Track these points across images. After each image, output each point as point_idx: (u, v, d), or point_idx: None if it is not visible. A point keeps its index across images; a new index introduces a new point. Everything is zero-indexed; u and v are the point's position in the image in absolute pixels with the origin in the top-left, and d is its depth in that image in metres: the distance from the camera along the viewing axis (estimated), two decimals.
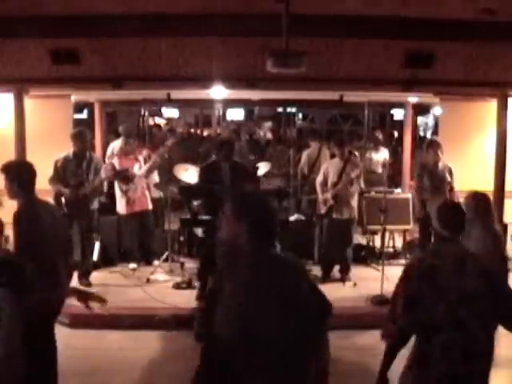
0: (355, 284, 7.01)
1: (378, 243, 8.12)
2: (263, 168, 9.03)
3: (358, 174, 6.96)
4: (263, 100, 10.98)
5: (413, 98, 9.14)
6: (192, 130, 15.26)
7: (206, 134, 14.63)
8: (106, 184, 7.00)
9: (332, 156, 8.43)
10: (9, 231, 4.01)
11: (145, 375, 4.83)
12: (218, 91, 7.45)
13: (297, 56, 5.06)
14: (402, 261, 7.93)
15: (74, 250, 6.69)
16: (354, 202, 7.13)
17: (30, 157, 6.65)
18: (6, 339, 2.46)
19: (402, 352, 2.92)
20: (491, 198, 6.74)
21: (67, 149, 6.70)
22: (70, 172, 6.58)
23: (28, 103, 6.75)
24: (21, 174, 4.09)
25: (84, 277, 6.81)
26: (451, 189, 7.12)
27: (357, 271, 7.35)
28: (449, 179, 7.20)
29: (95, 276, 7.02)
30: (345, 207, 7.00)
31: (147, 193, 7.55)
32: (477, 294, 2.75)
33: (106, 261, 7.58)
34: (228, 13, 5.47)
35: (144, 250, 7.64)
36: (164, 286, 6.84)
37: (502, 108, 6.65)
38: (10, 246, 4.12)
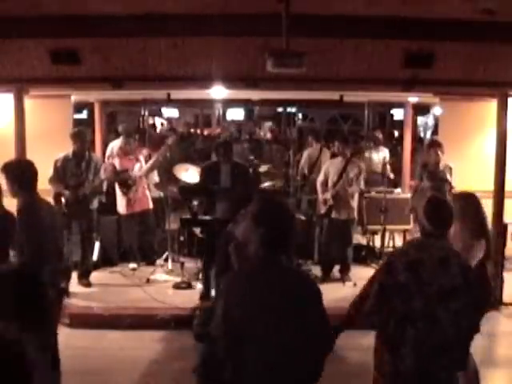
0: (355, 284, 7.01)
1: (378, 243, 8.13)
2: (263, 168, 9.05)
3: (357, 173, 6.96)
4: (263, 100, 10.99)
5: (413, 98, 9.13)
6: (192, 130, 15.27)
7: (206, 133, 14.64)
8: (105, 184, 7.00)
9: (332, 156, 8.43)
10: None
11: (145, 375, 4.83)
12: (218, 91, 7.45)
13: (297, 56, 5.06)
14: None
15: (74, 250, 6.70)
16: (354, 202, 7.14)
17: (30, 157, 6.64)
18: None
19: None
20: (491, 198, 6.80)
21: (67, 149, 6.71)
22: (69, 172, 6.59)
23: (28, 103, 6.74)
24: (20, 173, 4.10)
25: (84, 277, 6.81)
26: (451, 188, 7.13)
27: (357, 271, 7.35)
28: (449, 179, 7.21)
29: (95, 276, 7.02)
30: (345, 207, 7.01)
31: (148, 193, 7.55)
32: (454, 290, 2.77)
33: (106, 261, 7.58)
34: (228, 13, 5.46)
35: (144, 250, 7.64)
36: (164, 285, 6.84)
37: (502, 108, 6.64)
38: None
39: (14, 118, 6.57)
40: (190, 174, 7.98)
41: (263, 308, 2.32)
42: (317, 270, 7.37)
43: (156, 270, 7.27)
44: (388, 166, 9.04)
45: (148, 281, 6.92)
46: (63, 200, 6.47)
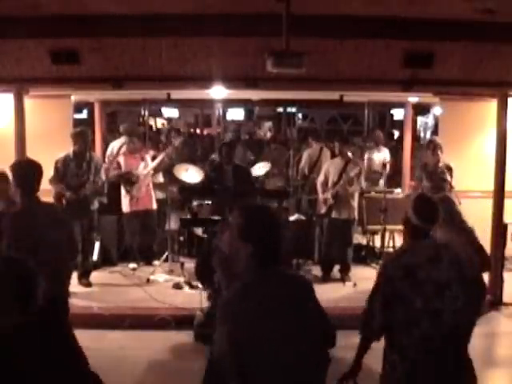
0: (355, 284, 7.01)
1: (378, 243, 8.13)
2: (263, 168, 9.05)
3: (357, 173, 6.97)
4: (263, 100, 10.99)
5: (413, 98, 9.13)
6: (192, 130, 15.27)
7: (205, 132, 14.64)
8: (106, 184, 6.99)
9: (332, 156, 8.44)
10: None
11: (145, 375, 4.83)
12: (218, 91, 7.45)
13: (297, 56, 5.06)
14: None
15: None
16: (355, 202, 7.14)
17: (30, 157, 6.64)
18: None
19: None
20: (491, 198, 6.80)
21: (67, 149, 6.70)
22: (70, 172, 6.59)
23: (28, 103, 6.74)
24: (22, 175, 4.07)
25: (84, 277, 6.81)
26: (451, 188, 7.13)
27: (357, 271, 7.35)
28: (449, 179, 7.21)
29: (95, 276, 7.02)
30: (345, 207, 7.01)
31: (153, 193, 7.55)
32: (448, 282, 2.79)
33: (106, 261, 7.59)
34: (228, 13, 5.46)
35: (144, 250, 7.64)
36: (164, 285, 6.84)
37: (502, 108, 6.64)
38: None
39: (14, 118, 6.57)
40: (189, 174, 7.98)
41: (272, 324, 2.24)
42: (317, 270, 7.37)
43: (156, 269, 7.27)
44: (388, 166, 9.05)
45: (148, 281, 6.92)
46: (64, 200, 6.47)
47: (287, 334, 2.24)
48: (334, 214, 7.03)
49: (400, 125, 12.30)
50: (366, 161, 9.25)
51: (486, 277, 6.50)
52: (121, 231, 7.83)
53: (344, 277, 7.16)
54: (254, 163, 9.57)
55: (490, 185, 6.84)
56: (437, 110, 9.54)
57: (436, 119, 11.50)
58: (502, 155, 6.72)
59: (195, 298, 6.21)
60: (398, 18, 5.54)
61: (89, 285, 6.79)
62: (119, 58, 6.04)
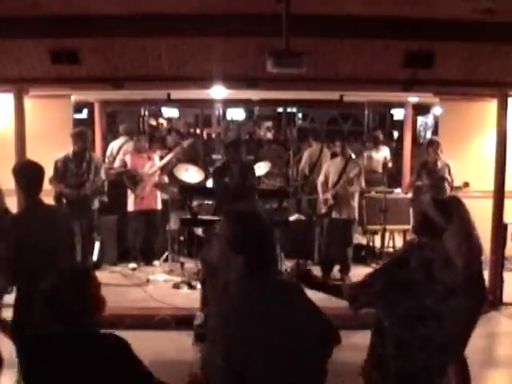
0: None
1: (378, 243, 8.13)
2: (263, 168, 9.05)
3: (357, 173, 6.97)
4: (263, 100, 10.98)
5: (413, 98, 9.14)
6: (192, 130, 15.26)
7: (205, 133, 14.62)
8: (106, 184, 6.99)
9: (333, 156, 8.44)
10: None
11: None
12: (218, 91, 7.45)
13: (297, 56, 5.06)
14: None
15: None
16: (355, 202, 7.14)
17: (30, 157, 6.63)
18: None
19: None
20: (491, 198, 6.80)
21: (67, 149, 6.70)
22: (70, 172, 6.59)
23: (28, 103, 6.74)
24: (22, 176, 4.07)
25: None
26: (451, 187, 7.14)
27: (357, 271, 7.34)
28: (449, 178, 7.23)
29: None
30: (345, 207, 7.01)
31: (158, 193, 7.55)
32: (454, 289, 2.79)
33: (106, 261, 7.59)
34: (228, 13, 5.46)
35: (145, 250, 7.64)
36: (164, 285, 6.84)
37: (502, 108, 6.64)
38: None
39: (14, 118, 6.57)
40: (190, 174, 7.98)
41: (268, 334, 2.15)
42: (317, 270, 7.37)
43: (156, 269, 7.27)
44: (390, 165, 9.06)
45: (148, 281, 6.92)
46: (63, 200, 6.47)
47: (284, 342, 2.16)
48: (334, 214, 7.03)
49: (400, 125, 12.29)
50: (365, 159, 9.26)
51: (486, 277, 6.53)
52: (121, 231, 7.84)
53: (344, 277, 7.16)
54: (253, 163, 9.57)
55: (490, 185, 6.84)
56: (437, 110, 9.54)
57: (436, 119, 11.50)
58: (502, 155, 6.72)
59: (195, 298, 6.20)
60: (398, 17, 5.54)
61: None
62: (119, 58, 6.04)
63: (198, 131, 14.54)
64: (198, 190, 7.65)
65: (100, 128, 9.44)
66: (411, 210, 7.82)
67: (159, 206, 7.59)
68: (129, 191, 7.48)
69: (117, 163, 8.28)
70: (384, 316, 2.81)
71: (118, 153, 8.50)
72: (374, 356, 2.88)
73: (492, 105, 7.00)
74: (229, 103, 12.75)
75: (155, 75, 6.25)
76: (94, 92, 8.24)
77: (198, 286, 6.60)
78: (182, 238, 7.97)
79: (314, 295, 2.45)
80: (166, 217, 7.68)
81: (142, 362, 2.47)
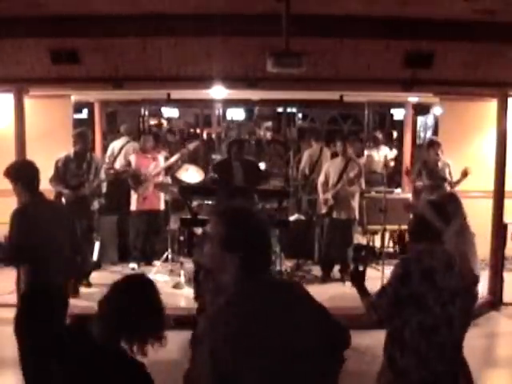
0: None
1: (378, 243, 8.13)
2: (263, 167, 9.06)
3: (357, 173, 6.96)
4: (263, 100, 10.98)
5: (413, 98, 9.13)
6: (192, 130, 15.26)
7: (205, 133, 14.61)
8: (105, 185, 6.99)
9: (333, 156, 8.44)
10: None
11: None
12: (218, 91, 7.45)
13: (297, 56, 5.06)
14: None
15: None
16: (355, 203, 7.14)
17: (30, 157, 6.63)
18: None
19: None
20: (491, 198, 6.80)
21: (67, 149, 6.71)
22: (70, 172, 6.59)
23: (28, 103, 6.74)
24: (23, 174, 4.11)
25: (84, 277, 6.81)
26: (451, 187, 7.14)
27: None
28: (449, 178, 7.23)
29: (95, 276, 7.02)
30: (345, 207, 7.01)
31: (162, 194, 7.54)
32: (457, 291, 2.78)
33: (106, 261, 7.58)
34: (228, 13, 5.46)
35: (145, 250, 7.64)
36: (164, 285, 6.84)
37: (502, 108, 6.64)
38: None
39: (14, 118, 6.57)
40: (190, 174, 7.98)
41: (267, 341, 1.98)
42: (317, 270, 7.37)
43: (156, 269, 7.26)
44: (392, 163, 9.05)
45: None
46: (63, 200, 6.47)
47: (283, 345, 2.00)
48: (334, 214, 7.03)
49: (400, 125, 12.28)
50: (365, 158, 9.26)
51: (485, 277, 6.53)
52: (121, 231, 7.83)
53: (344, 277, 7.16)
54: (255, 161, 9.57)
55: (490, 185, 6.84)
56: (437, 110, 9.54)
57: (436, 119, 11.50)
58: (502, 155, 6.72)
59: None
60: (398, 18, 5.54)
61: (89, 285, 6.79)
62: (119, 58, 6.04)
63: (198, 131, 14.54)
64: (198, 189, 7.65)
65: (100, 128, 9.44)
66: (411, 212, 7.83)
67: (162, 207, 7.58)
68: (132, 191, 7.48)
69: (118, 163, 8.28)
70: (402, 328, 2.80)
71: (119, 153, 8.50)
72: (394, 368, 2.87)
73: (492, 105, 7.00)
74: (229, 103, 12.75)
75: (155, 75, 6.25)
76: (94, 92, 8.23)
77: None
78: (181, 238, 7.97)
79: (316, 295, 2.43)
80: (167, 217, 7.68)
81: None
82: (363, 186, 7.29)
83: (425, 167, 7.33)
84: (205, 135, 14.22)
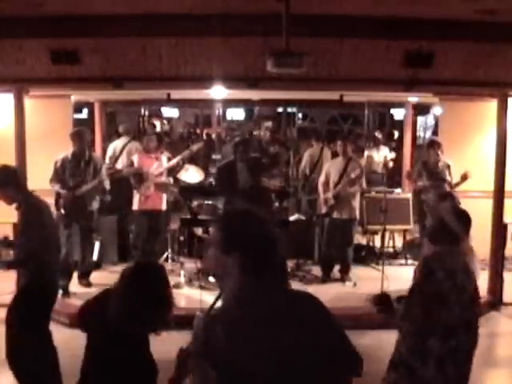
0: (355, 284, 7.01)
1: (378, 243, 8.13)
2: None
3: (358, 173, 6.96)
4: (263, 100, 11.00)
5: (413, 98, 9.14)
6: (192, 130, 15.27)
7: (205, 133, 14.63)
8: (108, 183, 6.98)
9: (333, 156, 8.44)
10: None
11: None
12: (218, 91, 7.45)
13: (297, 56, 5.05)
14: (402, 261, 7.95)
15: (74, 250, 6.70)
16: (356, 202, 7.13)
17: (30, 157, 6.65)
18: None
19: None
20: (491, 198, 6.80)
21: (67, 149, 6.70)
22: (68, 172, 6.58)
23: (28, 103, 6.74)
24: (9, 177, 4.13)
25: (84, 277, 6.81)
26: (451, 187, 7.14)
27: (357, 271, 7.35)
28: (448, 179, 7.23)
29: (95, 276, 7.01)
30: (346, 207, 7.00)
31: (164, 194, 7.53)
32: (473, 296, 2.78)
33: (106, 261, 7.58)
34: (228, 13, 5.46)
35: (146, 250, 7.63)
36: None
37: (502, 108, 6.64)
38: None
39: (14, 118, 6.57)
40: (190, 173, 7.98)
41: (271, 355, 1.82)
42: (317, 270, 7.37)
43: None
44: (391, 164, 9.06)
45: None
46: (61, 200, 6.47)
47: (290, 368, 1.83)
48: (335, 214, 7.02)
49: (400, 125, 12.30)
50: (365, 158, 9.27)
51: (485, 277, 6.53)
52: (121, 231, 7.82)
53: (344, 277, 7.16)
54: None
55: (490, 185, 6.84)
56: (437, 110, 9.55)
57: (436, 119, 11.50)
58: (502, 155, 6.72)
59: (195, 298, 6.21)
60: (398, 18, 5.54)
61: (89, 285, 6.79)
62: (119, 58, 6.04)
63: (198, 131, 14.55)
64: (198, 189, 7.65)
65: (100, 128, 9.44)
66: (411, 209, 7.84)
67: (164, 207, 7.57)
68: (134, 190, 7.47)
69: (120, 163, 8.27)
70: (429, 334, 2.78)
71: (121, 153, 8.49)
72: (413, 378, 2.86)
73: (492, 105, 7.00)
74: (229, 103, 12.77)
75: (155, 75, 6.25)
76: (94, 92, 8.23)
77: (198, 286, 6.60)
78: (181, 238, 7.96)
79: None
80: (170, 217, 7.67)
81: None
82: (364, 185, 7.29)
83: (425, 168, 7.33)
84: (205, 135, 14.23)
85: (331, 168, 7.20)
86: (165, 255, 7.47)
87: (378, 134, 9.99)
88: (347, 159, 7.11)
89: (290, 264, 7.45)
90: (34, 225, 3.97)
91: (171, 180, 7.79)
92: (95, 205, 6.83)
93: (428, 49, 5.88)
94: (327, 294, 6.17)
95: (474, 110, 7.86)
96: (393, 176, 9.82)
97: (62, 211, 6.45)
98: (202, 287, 6.43)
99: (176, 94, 8.39)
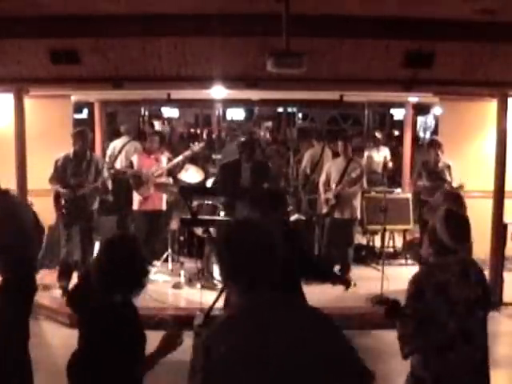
0: (355, 284, 7.00)
1: (378, 243, 8.12)
2: None
3: (359, 173, 6.96)
4: (263, 100, 10.99)
5: (413, 98, 9.14)
6: (192, 130, 15.28)
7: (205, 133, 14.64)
8: (110, 182, 6.97)
9: (334, 156, 8.44)
10: None
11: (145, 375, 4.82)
12: (218, 91, 7.45)
13: (297, 56, 5.05)
14: (402, 261, 7.94)
15: (74, 250, 6.70)
16: (357, 202, 7.13)
17: (30, 157, 6.65)
18: None
19: None
20: (491, 198, 6.80)
21: (67, 149, 6.70)
22: (69, 172, 6.57)
23: (28, 103, 6.74)
24: None
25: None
26: (451, 188, 7.13)
27: (357, 271, 7.35)
28: (449, 179, 7.22)
29: None
30: (347, 207, 7.00)
31: (164, 195, 7.53)
32: (477, 300, 2.75)
33: None
34: (228, 13, 5.46)
35: (146, 250, 7.62)
36: (164, 285, 6.84)
37: (502, 108, 6.64)
38: None
39: (14, 118, 6.57)
40: (190, 174, 7.98)
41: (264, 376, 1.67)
42: None
43: (156, 270, 7.26)
44: (390, 165, 9.06)
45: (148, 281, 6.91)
46: (62, 200, 6.46)
47: None
48: (336, 214, 7.02)
49: (400, 125, 12.31)
50: (365, 159, 9.27)
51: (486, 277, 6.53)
52: (122, 230, 7.81)
53: (344, 277, 7.15)
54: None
55: (490, 185, 6.84)
56: (437, 110, 9.54)
57: (436, 119, 11.50)
58: (502, 155, 6.72)
59: (195, 298, 6.21)
60: (398, 18, 5.54)
61: None
62: (119, 58, 6.04)
63: (198, 131, 14.56)
64: (198, 189, 7.64)
65: (100, 128, 9.44)
66: (411, 209, 7.84)
67: (164, 207, 7.56)
68: (134, 191, 7.46)
69: (119, 163, 8.27)
70: (426, 350, 2.77)
71: (120, 152, 8.48)
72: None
73: (492, 105, 7.00)
74: (229, 103, 12.77)
75: (155, 75, 6.25)
76: (94, 92, 8.23)
77: (198, 286, 6.60)
78: (181, 238, 7.96)
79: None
80: (170, 217, 7.66)
81: None
82: (365, 185, 7.29)
83: (425, 168, 7.33)
84: (205, 135, 14.24)
85: (332, 168, 7.20)
86: (165, 255, 7.47)
87: (378, 134, 9.98)
88: (348, 159, 7.11)
89: None
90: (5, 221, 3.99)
91: (171, 180, 7.79)
92: (95, 204, 6.83)
93: (428, 49, 5.88)
94: (327, 293, 6.16)
95: (474, 110, 7.86)
96: (393, 176, 9.82)
97: (64, 211, 6.44)
98: (202, 287, 6.43)
99: (176, 94, 8.39)
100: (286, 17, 4.90)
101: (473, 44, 5.90)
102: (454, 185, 7.03)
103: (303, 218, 8.00)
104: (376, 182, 8.69)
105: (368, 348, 4.97)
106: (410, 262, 7.81)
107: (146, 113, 12.28)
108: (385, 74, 6.25)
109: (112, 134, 10.72)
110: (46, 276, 7.02)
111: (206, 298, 5.74)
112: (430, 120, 14.55)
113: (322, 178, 7.24)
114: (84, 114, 13.05)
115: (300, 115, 15.63)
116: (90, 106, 9.97)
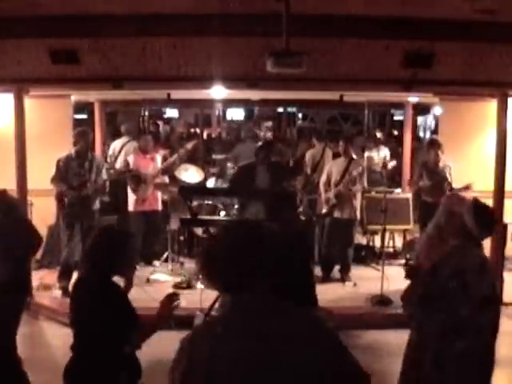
0: (355, 284, 7.01)
1: (378, 243, 8.12)
2: None
3: (359, 172, 6.97)
4: (263, 100, 10.99)
5: (413, 98, 9.14)
6: (193, 130, 15.28)
7: (206, 133, 14.63)
8: (108, 184, 6.98)
9: (335, 156, 8.44)
10: None
11: (144, 375, 4.81)
12: (218, 91, 7.45)
13: (297, 56, 5.05)
14: (402, 261, 7.94)
15: (75, 250, 6.69)
16: (357, 202, 7.13)
17: (30, 157, 6.65)
18: None
19: None
20: (491, 198, 6.80)
21: (67, 149, 6.70)
22: (71, 171, 6.57)
23: (28, 103, 6.74)
24: None
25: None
26: (451, 188, 7.13)
27: (357, 271, 7.35)
28: (449, 179, 7.22)
29: None
30: (347, 207, 7.00)
31: (159, 194, 7.53)
32: (489, 298, 2.74)
33: None
34: (228, 13, 5.46)
35: (145, 250, 7.63)
36: (164, 285, 6.84)
37: (502, 108, 6.64)
38: None
39: (14, 118, 6.57)
40: (190, 173, 7.98)
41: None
42: (317, 270, 7.36)
43: (156, 269, 7.26)
44: (389, 165, 9.05)
45: (148, 281, 6.92)
46: (65, 200, 6.46)
47: None
48: (336, 214, 7.02)
49: (400, 125, 12.30)
50: (365, 159, 9.27)
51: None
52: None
53: (344, 277, 7.16)
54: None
55: (490, 185, 6.84)
56: (437, 110, 9.54)
57: (436, 119, 11.50)
58: (502, 155, 6.72)
59: (195, 298, 6.20)
60: (398, 18, 5.54)
61: None
62: (119, 58, 6.04)
63: (198, 131, 14.55)
64: (198, 189, 7.64)
65: (100, 128, 9.44)
66: (411, 209, 7.84)
67: (160, 207, 7.57)
68: (130, 191, 7.46)
69: (118, 163, 8.27)
70: (421, 329, 2.76)
71: (119, 152, 8.49)
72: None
73: (492, 105, 7.00)
74: (229, 103, 12.76)
75: (155, 75, 6.25)
76: (94, 92, 8.23)
77: (198, 285, 6.60)
78: (181, 238, 7.96)
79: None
80: (167, 217, 7.67)
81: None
82: (365, 184, 7.29)
83: (425, 168, 7.33)
84: (205, 135, 14.23)
85: (333, 168, 7.20)
86: (165, 255, 7.47)
87: (379, 134, 9.99)
88: (349, 159, 7.12)
89: None
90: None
91: (166, 179, 7.80)
92: (97, 204, 6.83)
93: (428, 49, 5.88)
94: (327, 293, 6.17)
95: (474, 110, 7.86)
96: (393, 176, 9.82)
97: (66, 211, 6.44)
98: (202, 287, 6.42)
99: (176, 94, 8.39)
100: (286, 17, 4.90)
101: (473, 44, 5.91)
102: (459, 185, 7.03)
103: (303, 217, 8.00)
104: (376, 181, 8.70)
105: (368, 348, 4.97)
106: (409, 262, 7.81)
107: (146, 113, 12.27)
108: (385, 74, 6.25)
109: (112, 133, 10.71)
110: (46, 276, 7.03)
111: (205, 298, 5.73)
112: (430, 120, 14.56)
113: (323, 178, 7.24)
114: (84, 114, 13.03)
115: (300, 115, 15.62)
116: (90, 106, 9.96)
